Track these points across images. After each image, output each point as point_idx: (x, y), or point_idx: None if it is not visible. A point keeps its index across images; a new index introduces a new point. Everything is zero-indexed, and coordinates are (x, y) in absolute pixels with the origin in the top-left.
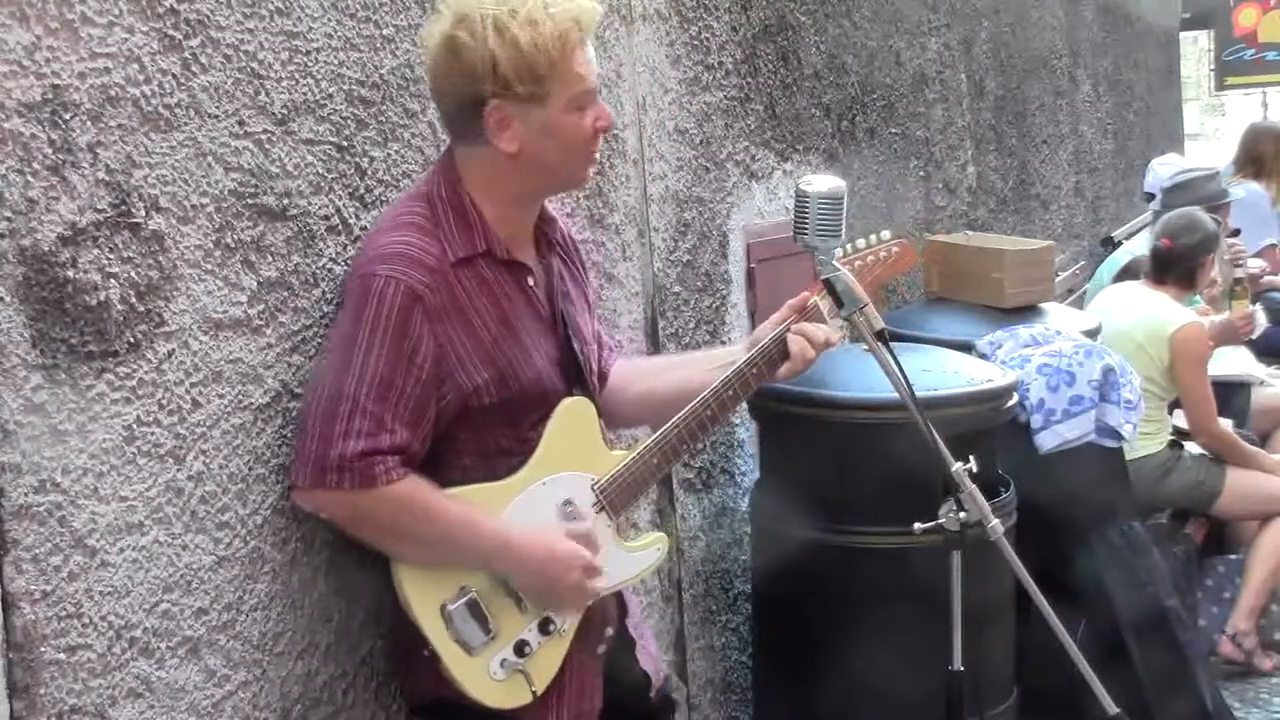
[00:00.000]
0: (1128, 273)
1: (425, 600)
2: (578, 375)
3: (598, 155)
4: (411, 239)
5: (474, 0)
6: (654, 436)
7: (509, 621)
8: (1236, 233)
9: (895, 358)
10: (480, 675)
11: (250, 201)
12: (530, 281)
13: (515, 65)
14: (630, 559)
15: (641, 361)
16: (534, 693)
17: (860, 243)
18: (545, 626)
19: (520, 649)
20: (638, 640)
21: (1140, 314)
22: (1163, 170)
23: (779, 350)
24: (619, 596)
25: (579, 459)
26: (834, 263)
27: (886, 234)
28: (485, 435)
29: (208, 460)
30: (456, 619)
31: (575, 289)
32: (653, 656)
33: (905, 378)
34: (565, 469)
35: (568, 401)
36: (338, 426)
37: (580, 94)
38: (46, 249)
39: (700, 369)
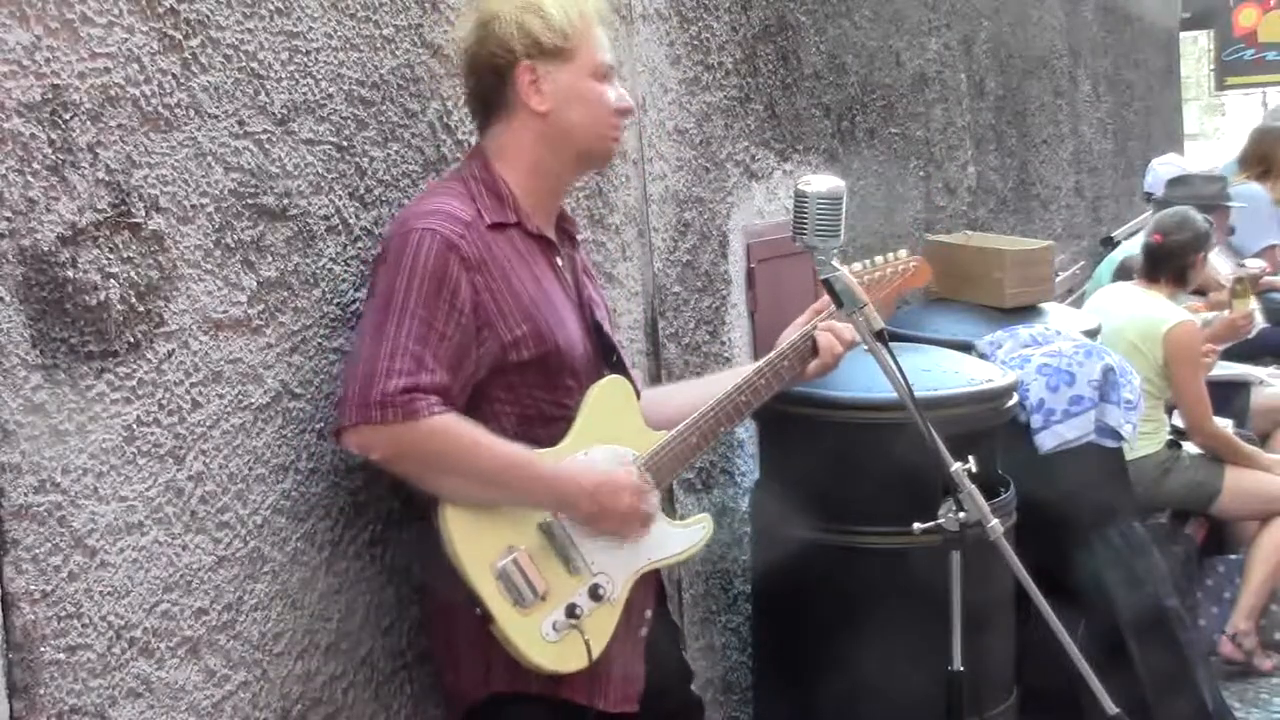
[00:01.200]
0: (1124, 271)
1: (475, 558)
2: (609, 359)
3: (620, 138)
4: (446, 201)
5: None
6: (692, 417)
7: (559, 583)
8: (1231, 231)
9: (895, 358)
10: (533, 635)
11: (250, 201)
12: (558, 260)
13: (543, 24)
14: (678, 534)
15: (658, 390)
16: (590, 655)
17: (878, 259)
18: (595, 592)
19: (571, 611)
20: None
21: (1133, 313)
22: (1163, 170)
23: (808, 345)
24: (657, 581)
25: (619, 434)
26: (833, 263)
27: (903, 252)
28: (524, 396)
29: (208, 460)
30: (507, 576)
31: (598, 296)
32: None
33: (905, 378)
34: (605, 442)
35: (606, 379)
36: (380, 365)
37: (601, 64)
38: (46, 249)
39: (720, 384)
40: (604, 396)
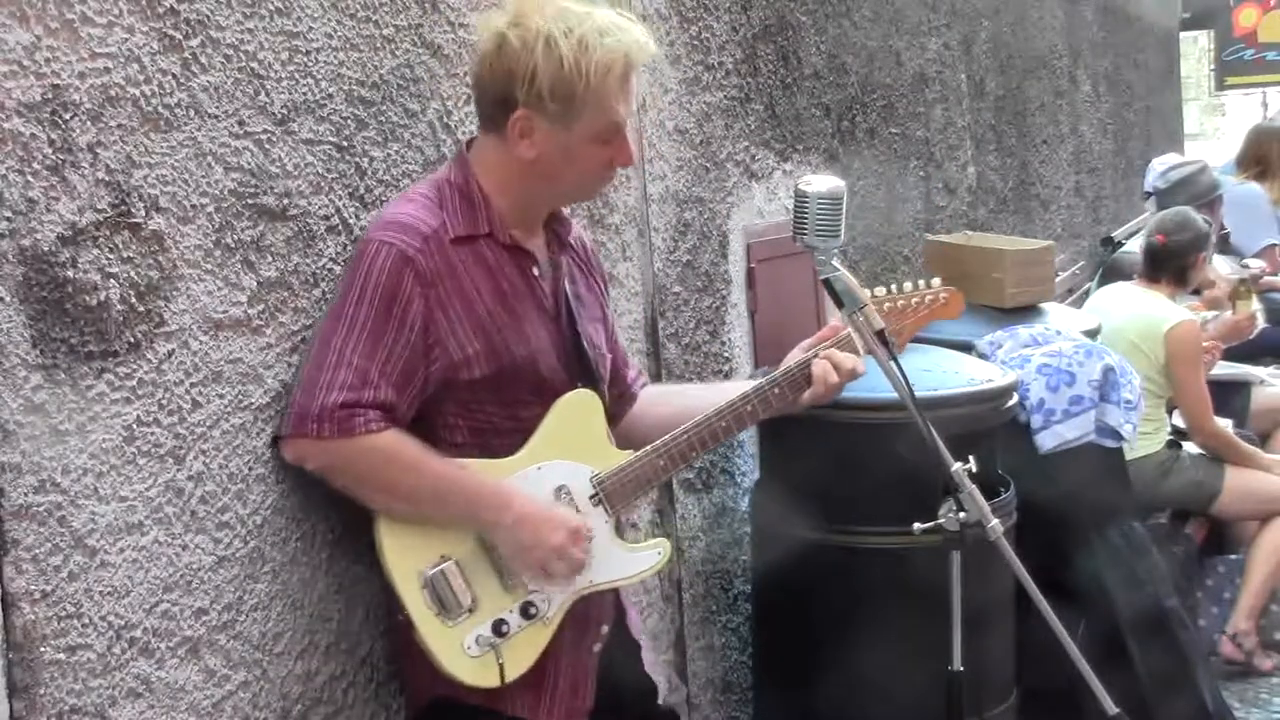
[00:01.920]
0: (1115, 270)
1: (404, 565)
2: (584, 373)
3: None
4: (410, 210)
5: (536, 7)
6: (663, 438)
7: (490, 597)
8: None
9: (895, 358)
10: (454, 647)
11: (250, 201)
12: (534, 271)
13: (553, 82)
14: (628, 558)
15: (668, 387)
16: (503, 678)
17: (908, 286)
18: (527, 610)
19: (498, 628)
20: (643, 645)
21: (1134, 313)
22: (1162, 170)
23: (803, 374)
24: (616, 597)
25: (579, 450)
26: (833, 262)
27: (936, 281)
28: (476, 411)
29: (208, 460)
30: (433, 585)
31: (589, 295)
32: (652, 662)
33: (905, 378)
34: (563, 457)
35: (573, 393)
36: (322, 378)
37: (608, 127)
38: (46, 249)
39: (724, 394)
40: (567, 410)
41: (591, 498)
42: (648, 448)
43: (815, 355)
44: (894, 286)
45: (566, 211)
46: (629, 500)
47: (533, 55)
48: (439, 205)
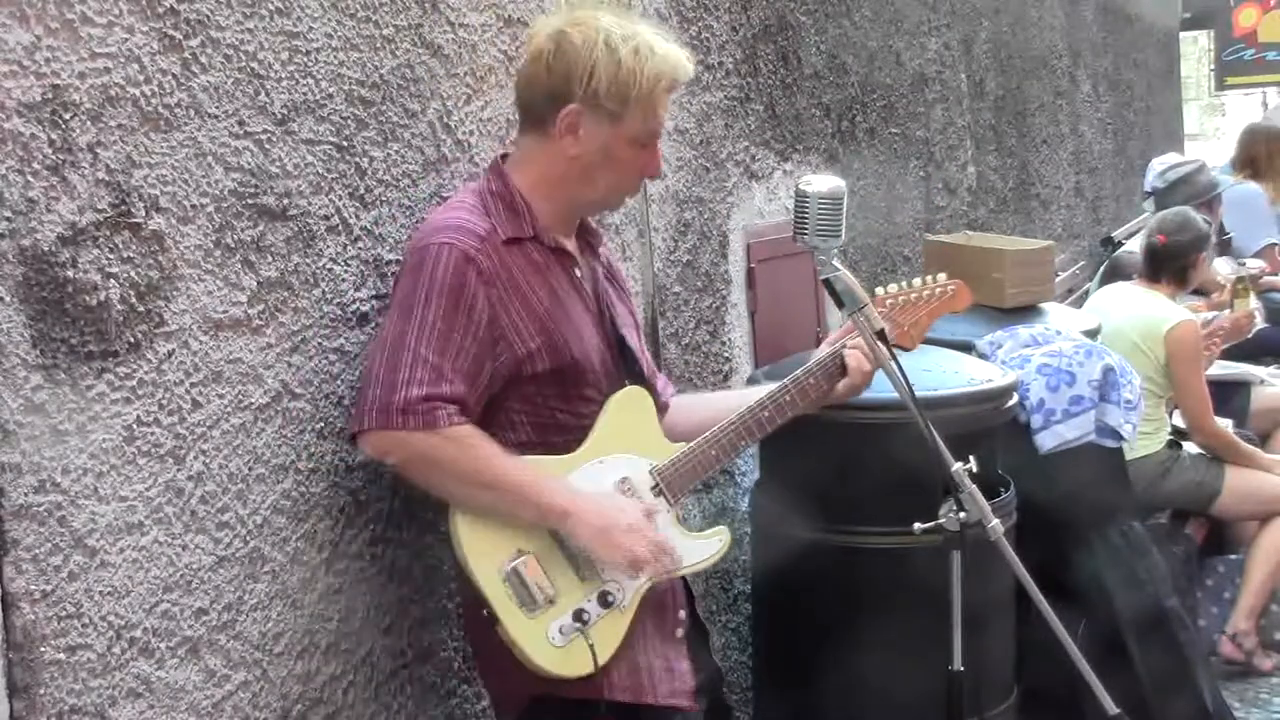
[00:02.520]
0: (1115, 270)
1: (484, 561)
2: (630, 370)
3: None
4: (460, 215)
5: (593, 14)
6: (712, 430)
7: (567, 588)
8: (1226, 238)
9: (895, 358)
10: (539, 639)
11: (250, 201)
12: (577, 272)
13: (610, 80)
14: (692, 546)
15: (697, 395)
16: (596, 662)
17: (916, 281)
18: (605, 599)
19: (579, 616)
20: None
21: (1135, 313)
22: (1162, 170)
23: (836, 365)
24: (686, 585)
25: (637, 444)
26: (833, 262)
27: (943, 276)
28: (540, 407)
29: (208, 460)
30: (514, 579)
31: (622, 306)
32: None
33: (905, 378)
34: (623, 451)
35: (626, 390)
36: (401, 374)
37: (648, 133)
38: (46, 249)
39: (754, 394)
40: (623, 406)
41: (652, 488)
42: (700, 439)
43: (844, 347)
44: (904, 283)
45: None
46: (687, 489)
47: (593, 53)
48: (485, 211)
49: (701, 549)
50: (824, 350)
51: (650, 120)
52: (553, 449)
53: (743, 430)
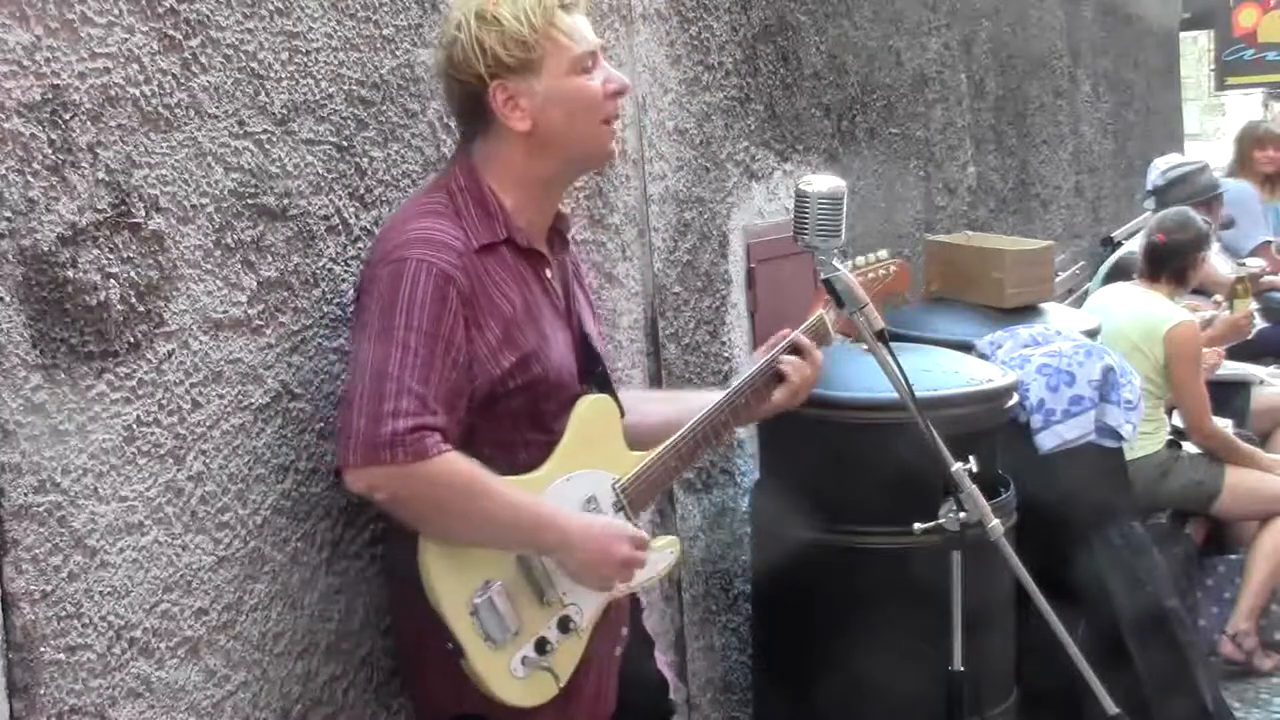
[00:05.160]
0: (1119, 270)
1: (452, 593)
2: (593, 371)
3: (616, 125)
4: (435, 225)
5: (453, 5)
6: (671, 439)
7: (531, 617)
8: (1227, 224)
9: (895, 358)
10: (502, 672)
11: (250, 201)
12: (548, 273)
13: (500, 40)
14: (650, 559)
15: (638, 394)
16: (559, 688)
17: (860, 260)
18: (565, 624)
19: (541, 646)
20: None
21: (1134, 313)
22: (1163, 170)
23: (775, 373)
24: (633, 597)
25: (600, 457)
26: (833, 262)
27: (884, 253)
28: (507, 425)
29: (208, 460)
30: (483, 611)
31: (583, 296)
32: (662, 659)
33: (905, 378)
34: (587, 466)
35: (590, 399)
36: (386, 405)
37: (577, 57)
38: (46, 249)
39: (695, 402)
40: (589, 418)
41: (614, 504)
42: (658, 450)
43: (779, 357)
44: (849, 262)
45: (567, 210)
46: (647, 504)
47: (473, 34)
48: (457, 214)
49: (655, 563)
50: (761, 356)
51: (568, 44)
52: (515, 465)
53: (700, 437)
